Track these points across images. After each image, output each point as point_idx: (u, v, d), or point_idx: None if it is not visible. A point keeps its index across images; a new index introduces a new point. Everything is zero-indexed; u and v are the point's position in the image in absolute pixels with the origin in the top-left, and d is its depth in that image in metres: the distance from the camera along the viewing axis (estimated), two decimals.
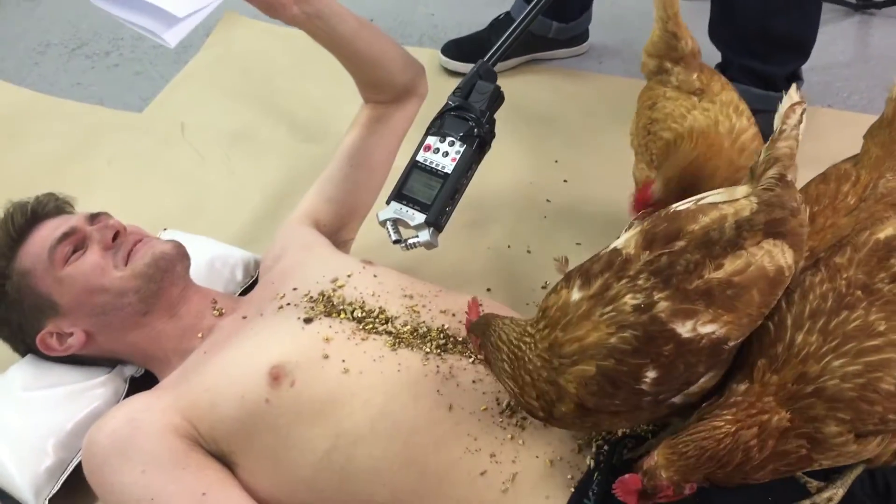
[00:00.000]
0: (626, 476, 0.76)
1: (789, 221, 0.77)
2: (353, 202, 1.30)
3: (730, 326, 0.74)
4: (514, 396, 0.82)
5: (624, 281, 0.77)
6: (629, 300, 0.75)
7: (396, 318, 1.02)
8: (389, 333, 0.99)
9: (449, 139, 1.00)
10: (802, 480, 0.85)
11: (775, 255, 0.75)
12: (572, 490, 0.88)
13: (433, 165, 1.00)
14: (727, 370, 0.80)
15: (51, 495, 1.06)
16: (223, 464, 0.97)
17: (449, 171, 0.99)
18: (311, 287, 1.07)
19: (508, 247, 1.45)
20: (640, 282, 0.76)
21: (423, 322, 1.01)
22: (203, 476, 0.93)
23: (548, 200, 1.54)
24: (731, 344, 0.75)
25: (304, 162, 1.66)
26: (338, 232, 1.29)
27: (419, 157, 1.01)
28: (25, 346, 1.14)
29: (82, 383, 1.14)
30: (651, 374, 0.75)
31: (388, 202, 1.01)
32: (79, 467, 1.04)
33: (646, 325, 0.74)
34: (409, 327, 1.00)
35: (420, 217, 0.98)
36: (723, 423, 0.74)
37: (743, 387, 0.77)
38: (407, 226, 1.00)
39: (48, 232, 1.08)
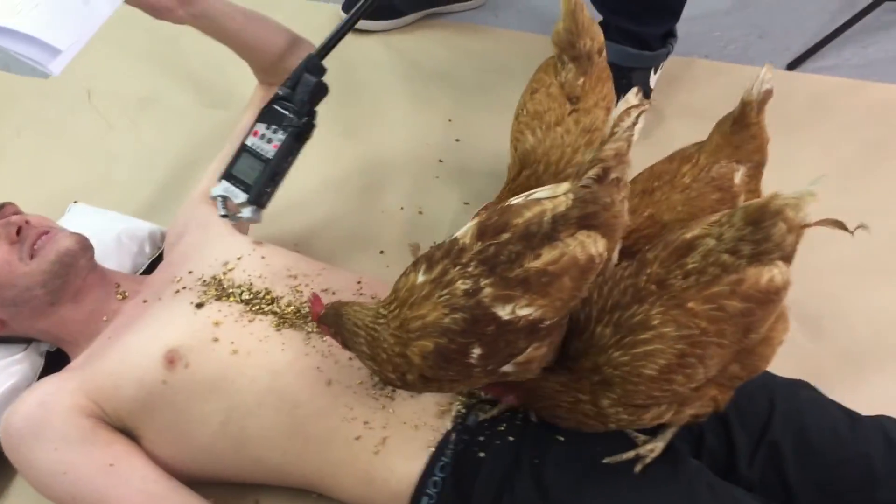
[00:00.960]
0: None
1: (602, 215, 0.86)
2: None
3: (544, 309, 0.85)
4: (375, 373, 0.93)
5: (458, 268, 0.87)
6: (461, 285, 0.86)
7: (281, 298, 1.12)
8: (275, 314, 1.09)
9: (273, 127, 1.12)
10: (632, 435, 1.00)
11: (587, 246, 0.85)
12: (433, 450, 1.01)
13: (258, 150, 1.12)
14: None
15: None
16: (129, 437, 1.07)
17: (271, 157, 1.12)
18: (205, 271, 1.16)
19: (402, 209, 1.54)
20: (470, 269, 0.86)
21: (306, 302, 1.12)
22: (110, 450, 1.04)
23: (440, 161, 1.62)
24: (547, 323, 0.86)
25: (209, 128, 1.72)
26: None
27: (248, 142, 1.13)
28: None
29: (1, 361, 1.23)
30: (477, 351, 0.86)
31: (218, 180, 1.14)
32: None
33: (472, 309, 0.85)
34: (292, 308, 1.10)
35: (243, 196, 1.12)
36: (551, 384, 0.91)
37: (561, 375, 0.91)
38: (233, 202, 1.13)
39: None
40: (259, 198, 1.11)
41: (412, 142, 1.67)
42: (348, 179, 1.58)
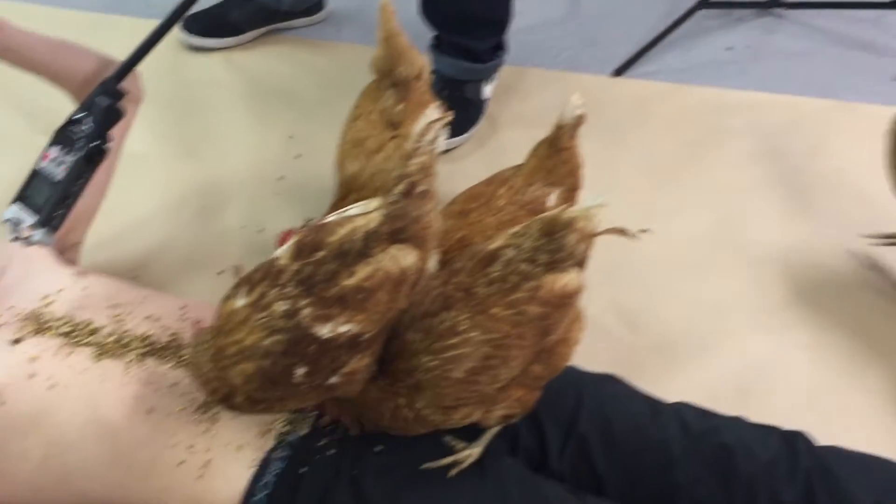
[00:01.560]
0: None
1: (411, 228, 0.88)
2: (79, 207, 1.34)
3: (364, 324, 0.87)
4: (208, 396, 0.93)
5: (276, 289, 0.87)
6: (279, 306, 0.86)
7: (102, 328, 1.08)
8: (95, 345, 1.06)
9: (64, 149, 1.12)
10: (449, 442, 1.02)
11: (398, 259, 0.87)
12: (255, 469, 1.01)
13: (49, 173, 1.12)
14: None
15: None
16: None
17: (61, 179, 1.12)
18: (25, 305, 1.11)
19: (242, 228, 1.52)
20: (288, 289, 0.87)
21: (128, 331, 1.09)
22: None
23: (281, 177, 1.62)
24: (367, 336, 0.88)
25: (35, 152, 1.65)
26: (65, 236, 1.33)
27: (39, 166, 1.13)
28: None
29: None
30: (301, 370, 0.87)
31: (11, 203, 1.13)
32: None
33: (292, 330, 0.86)
34: (113, 337, 1.07)
35: (33, 219, 1.12)
36: (374, 392, 0.93)
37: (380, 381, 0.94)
38: (24, 224, 1.12)
39: None
40: (49, 220, 1.11)
41: (252, 160, 1.66)
42: (187, 201, 1.55)
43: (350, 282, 0.87)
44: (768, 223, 1.56)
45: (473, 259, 0.91)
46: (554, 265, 0.85)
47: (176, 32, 1.90)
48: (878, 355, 1.34)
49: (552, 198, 1.12)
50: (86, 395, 1.01)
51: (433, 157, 0.90)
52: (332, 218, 0.93)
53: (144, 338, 1.08)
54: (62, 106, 1.74)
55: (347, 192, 1.19)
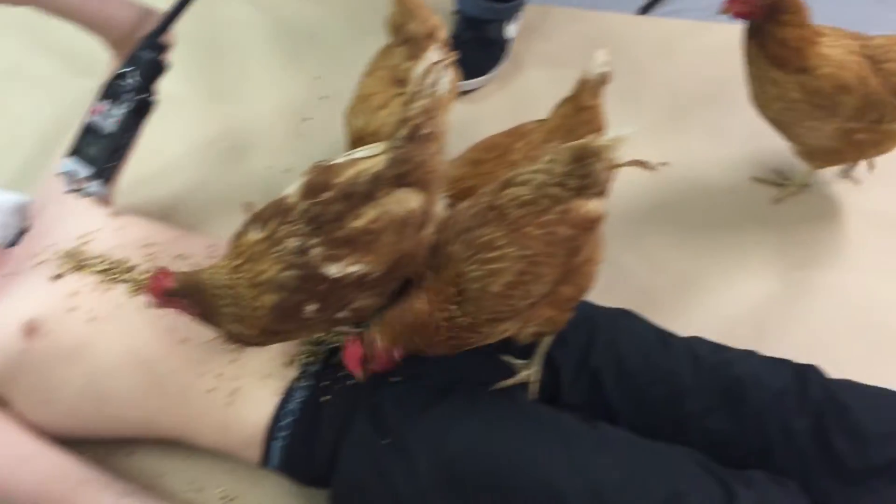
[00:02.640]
0: (349, 347, 0.95)
1: (416, 172, 0.91)
2: None
3: (371, 264, 0.91)
4: (232, 336, 0.96)
5: (287, 225, 0.91)
6: (290, 243, 0.90)
7: (137, 266, 1.14)
8: (130, 282, 1.12)
9: (112, 102, 1.14)
10: (508, 361, 1.09)
11: (403, 202, 0.90)
12: (280, 397, 1.07)
13: (99, 126, 1.14)
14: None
15: None
16: None
17: (112, 132, 1.13)
18: (63, 244, 1.18)
19: (268, 167, 1.55)
20: (298, 227, 0.90)
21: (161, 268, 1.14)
22: None
23: (307, 119, 1.64)
24: (374, 275, 0.92)
25: (76, 97, 1.68)
26: None
27: (89, 119, 1.14)
28: None
29: None
30: (312, 307, 0.92)
31: (64, 157, 1.15)
32: None
33: (303, 267, 0.90)
34: (147, 274, 1.13)
35: (87, 171, 1.13)
36: (420, 304, 0.94)
37: (425, 285, 0.95)
38: (79, 177, 1.14)
39: None
40: (103, 172, 1.13)
41: (279, 101, 1.68)
42: (214, 142, 1.58)
43: (357, 224, 0.90)
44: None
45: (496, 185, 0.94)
46: (581, 191, 0.89)
47: None
48: None
49: None
50: (123, 328, 1.08)
51: (436, 99, 0.90)
52: (339, 160, 0.96)
53: None
54: (92, 48, 1.79)
55: (353, 147, 1.21)
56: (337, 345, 1.12)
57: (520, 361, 1.10)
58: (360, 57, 1.75)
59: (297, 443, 1.06)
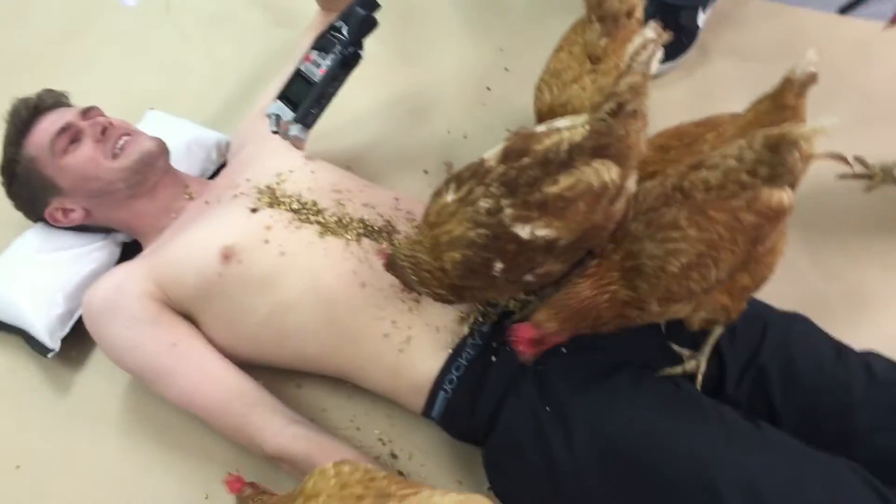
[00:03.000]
0: (519, 327, 0.96)
1: (615, 146, 0.91)
2: None
3: (561, 230, 0.92)
4: (427, 295, 1.01)
5: (482, 187, 0.94)
6: (483, 203, 0.93)
7: (326, 209, 1.21)
8: (320, 223, 1.18)
9: (322, 53, 1.18)
10: (676, 349, 1.09)
11: (601, 173, 0.91)
12: (451, 351, 1.11)
13: (308, 74, 1.18)
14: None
15: (62, 336, 1.31)
16: (190, 322, 1.20)
17: (317, 80, 1.18)
18: (261, 179, 1.26)
19: (448, 132, 1.59)
20: (493, 189, 0.93)
21: (348, 213, 1.20)
22: (173, 331, 1.17)
23: (488, 88, 1.67)
24: (563, 243, 0.93)
25: (274, 46, 1.79)
26: None
27: (300, 66, 1.20)
28: (36, 216, 1.35)
29: (83, 248, 1.36)
30: (499, 265, 0.94)
31: (274, 99, 1.21)
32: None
33: (494, 226, 0.92)
34: (335, 218, 1.19)
35: (291, 115, 1.19)
36: (583, 289, 0.95)
37: (594, 262, 0.97)
38: (284, 120, 1.20)
39: (48, 125, 1.27)
40: (305, 118, 1.18)
41: (462, 68, 1.71)
42: (399, 101, 1.64)
43: (552, 189, 0.92)
44: None
45: (693, 167, 0.93)
46: (772, 180, 0.87)
47: None
48: None
49: None
50: (310, 265, 1.14)
51: (646, 77, 0.91)
52: (540, 128, 0.98)
53: (362, 221, 1.20)
54: (294, 1, 1.89)
55: (541, 120, 1.22)
56: (509, 309, 1.15)
57: (687, 351, 1.09)
58: (542, 35, 1.76)
59: (461, 397, 1.09)
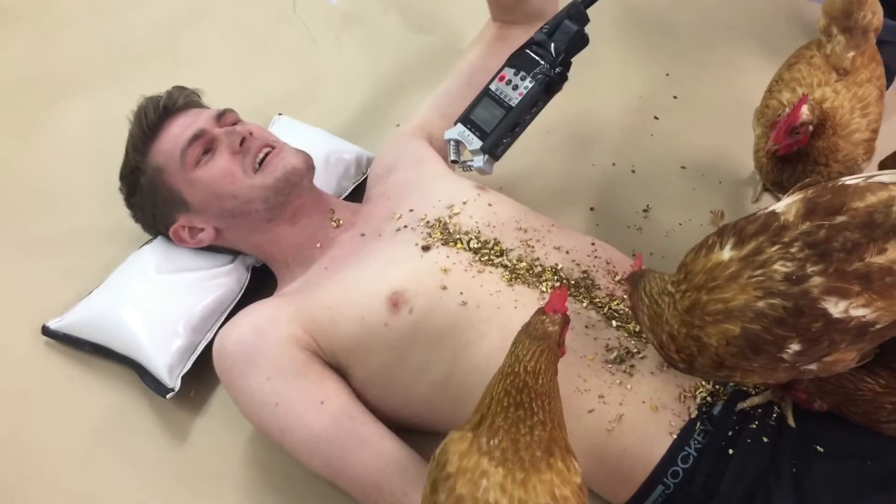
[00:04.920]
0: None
1: None
2: None
3: (881, 312, 0.70)
4: (654, 346, 0.81)
5: (777, 247, 0.73)
6: (780, 267, 0.71)
7: (511, 251, 0.99)
8: (505, 267, 0.97)
9: (521, 73, 0.96)
10: None
11: None
12: (675, 436, 0.88)
13: (501, 96, 0.96)
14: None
15: (182, 373, 1.09)
16: (339, 374, 0.98)
17: (514, 105, 0.96)
18: (428, 211, 1.04)
19: (613, 164, 1.37)
20: (793, 250, 0.72)
21: (538, 259, 0.99)
22: (322, 386, 0.95)
23: (656, 118, 1.44)
24: (878, 327, 0.71)
25: (413, 53, 1.58)
26: None
27: (492, 86, 0.98)
28: (157, 232, 1.15)
29: (209, 270, 1.15)
30: (795, 347, 0.72)
31: (455, 123, 0.99)
32: (206, 349, 1.08)
33: (796, 298, 0.70)
34: (524, 263, 0.97)
35: (478, 143, 0.96)
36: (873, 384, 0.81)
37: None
38: (466, 149, 0.98)
39: (179, 130, 1.07)
40: (494, 148, 0.96)
41: (626, 94, 1.49)
42: (557, 126, 1.40)
43: (878, 260, 0.70)
44: None
45: None
46: None
47: None
48: None
49: None
50: (498, 319, 0.92)
51: None
52: (854, 180, 0.76)
53: (556, 270, 0.98)
54: (433, 6, 1.66)
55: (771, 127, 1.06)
56: (744, 388, 0.92)
57: None
58: (714, 59, 1.56)
59: (686, 493, 0.87)
